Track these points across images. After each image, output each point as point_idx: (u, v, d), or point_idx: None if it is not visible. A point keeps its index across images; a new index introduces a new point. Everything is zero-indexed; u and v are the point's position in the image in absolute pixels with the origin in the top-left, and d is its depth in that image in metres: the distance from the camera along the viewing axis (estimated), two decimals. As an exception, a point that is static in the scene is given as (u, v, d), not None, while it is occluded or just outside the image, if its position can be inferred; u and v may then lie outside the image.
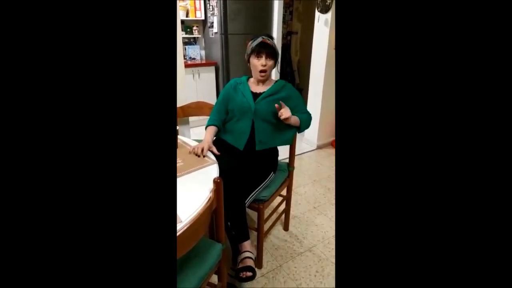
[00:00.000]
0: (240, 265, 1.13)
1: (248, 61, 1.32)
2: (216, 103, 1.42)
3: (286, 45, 4.07)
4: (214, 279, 1.03)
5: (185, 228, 0.69)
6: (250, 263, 1.13)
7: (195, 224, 0.72)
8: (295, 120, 1.28)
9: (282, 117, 1.19)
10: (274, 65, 1.31)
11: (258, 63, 1.27)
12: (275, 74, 2.67)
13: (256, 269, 1.19)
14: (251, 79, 1.39)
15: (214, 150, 1.20)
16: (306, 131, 2.88)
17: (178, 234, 0.67)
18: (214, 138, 1.35)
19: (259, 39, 1.26)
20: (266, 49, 1.25)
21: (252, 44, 1.27)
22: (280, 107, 1.19)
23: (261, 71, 1.28)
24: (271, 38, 1.29)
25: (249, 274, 1.09)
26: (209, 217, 0.84)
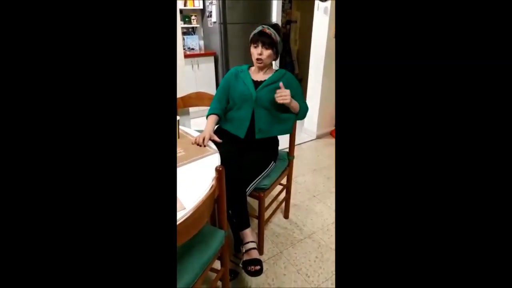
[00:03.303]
0: (246, 257, 1.13)
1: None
2: (216, 91, 1.43)
3: (285, 34, 4.03)
4: (217, 264, 1.06)
5: (189, 214, 0.71)
6: (256, 254, 1.14)
7: (198, 211, 0.74)
8: (295, 104, 1.29)
9: (281, 99, 1.21)
10: (275, 55, 1.31)
11: (254, 51, 1.29)
12: (274, 64, 2.65)
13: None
14: (252, 68, 1.40)
15: (216, 138, 1.22)
16: (306, 121, 2.86)
17: (182, 220, 0.69)
18: (216, 127, 1.36)
19: (259, 28, 1.28)
20: (263, 38, 1.26)
21: (252, 33, 1.30)
22: (280, 90, 1.21)
23: (257, 59, 1.30)
24: (276, 27, 1.29)
25: (257, 267, 1.09)
26: (211, 204, 0.86)
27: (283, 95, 1.21)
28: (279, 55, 1.36)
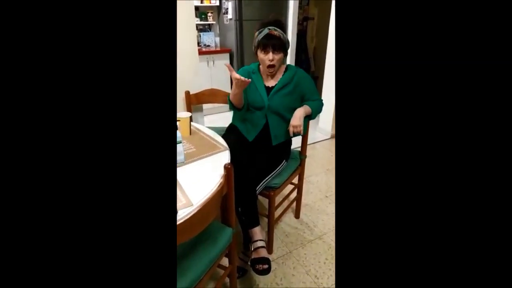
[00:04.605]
0: (255, 255, 1.13)
1: (256, 54, 1.25)
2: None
3: (301, 31, 3.98)
4: (225, 262, 1.06)
5: (196, 211, 0.71)
6: (264, 253, 1.13)
7: (205, 208, 0.74)
8: (306, 112, 1.26)
9: (296, 130, 1.21)
10: (284, 56, 1.24)
11: (265, 57, 1.19)
12: (289, 62, 2.61)
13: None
14: (261, 68, 1.33)
15: (237, 75, 1.15)
16: (321, 120, 2.81)
17: (189, 216, 0.69)
18: (228, 124, 1.35)
19: (265, 31, 1.16)
20: (273, 42, 1.16)
21: (258, 37, 1.18)
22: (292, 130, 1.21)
23: (269, 66, 1.21)
24: (280, 25, 1.19)
25: (265, 266, 1.08)
26: (219, 201, 0.86)
27: (297, 129, 1.21)
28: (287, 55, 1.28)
